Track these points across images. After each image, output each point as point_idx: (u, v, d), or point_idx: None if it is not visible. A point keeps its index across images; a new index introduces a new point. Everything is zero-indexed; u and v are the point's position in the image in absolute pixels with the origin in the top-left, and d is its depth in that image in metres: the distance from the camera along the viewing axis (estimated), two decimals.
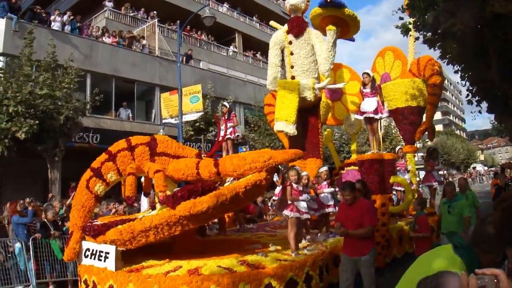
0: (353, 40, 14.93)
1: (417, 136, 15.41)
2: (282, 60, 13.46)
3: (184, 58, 32.86)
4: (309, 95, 12.54)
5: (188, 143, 26.45)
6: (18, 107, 17.26)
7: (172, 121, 25.31)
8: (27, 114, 17.69)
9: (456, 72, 13.52)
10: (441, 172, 17.93)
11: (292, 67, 13.16)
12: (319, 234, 11.13)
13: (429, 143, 77.66)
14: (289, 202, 9.44)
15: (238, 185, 8.12)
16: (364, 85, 13.09)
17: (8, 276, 12.39)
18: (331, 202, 11.26)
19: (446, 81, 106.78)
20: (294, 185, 9.46)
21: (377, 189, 11.91)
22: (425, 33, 11.24)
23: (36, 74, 18.98)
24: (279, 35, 13.51)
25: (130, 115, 29.20)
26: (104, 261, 8.68)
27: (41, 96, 18.04)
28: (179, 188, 8.50)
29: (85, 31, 28.12)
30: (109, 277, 8.33)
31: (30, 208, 13.89)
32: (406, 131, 15.31)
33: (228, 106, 14.53)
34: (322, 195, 11.18)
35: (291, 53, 13.16)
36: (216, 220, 13.55)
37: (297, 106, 12.18)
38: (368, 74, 13.08)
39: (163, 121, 26.95)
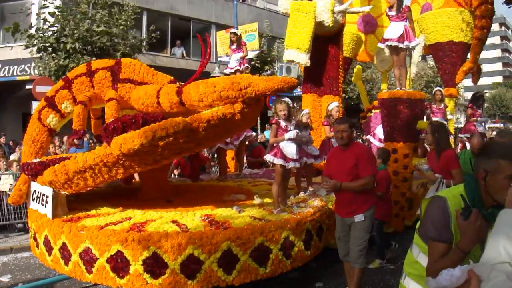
0: None
1: (458, 77, 12.49)
2: None
3: None
4: (326, 20, 9.89)
5: None
6: (75, 44, 17.32)
7: (227, 59, 24.32)
8: (84, 51, 17.69)
9: None
10: (489, 125, 15.09)
11: None
12: None
13: (487, 94, 73.77)
14: (274, 144, 7.28)
15: (197, 118, 5.94)
16: (390, 7, 10.22)
17: None
18: None
19: (509, 30, 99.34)
20: (282, 123, 7.19)
21: (400, 136, 9.53)
22: None
23: (92, 11, 18.76)
24: None
25: (184, 52, 28.83)
26: (45, 206, 6.87)
27: (98, 33, 17.89)
28: (113, 119, 6.58)
29: None
30: (45, 225, 6.57)
31: (85, 139, 14.20)
32: (446, 71, 12.58)
33: (238, 33, 12.59)
34: (334, 138, 9.12)
35: None
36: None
37: (312, 32, 9.68)
38: None
39: (219, 59, 26.86)
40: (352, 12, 10.80)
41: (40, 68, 18.50)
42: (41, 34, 17.88)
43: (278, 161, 7.08)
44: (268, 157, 7.26)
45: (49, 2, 17.98)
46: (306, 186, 8.64)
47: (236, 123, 6.46)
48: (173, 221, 6.22)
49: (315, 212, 7.04)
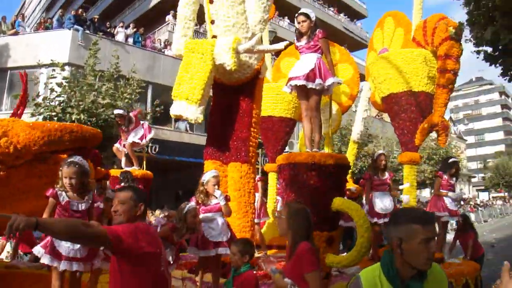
0: None
1: (418, 137, 9.38)
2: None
3: None
4: (228, 61, 7.12)
5: None
6: (80, 115, 17.13)
7: None
8: (89, 122, 17.00)
9: None
10: (465, 196, 11.73)
11: (212, 22, 7.70)
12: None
13: (490, 163, 70.28)
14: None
15: None
16: (300, 35, 6.79)
17: None
18: (226, 235, 6.05)
19: (509, 99, 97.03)
20: (63, 198, 4.64)
21: None
22: (485, 49, 8.90)
23: (99, 84, 18.54)
24: None
25: (188, 127, 28.22)
26: None
27: (103, 105, 17.64)
28: None
29: (148, 43, 27.62)
30: None
31: None
32: (404, 130, 9.50)
33: (122, 113, 10.87)
34: (209, 224, 5.99)
35: (211, 0, 7.68)
36: None
37: (207, 78, 6.99)
38: (305, 15, 6.61)
39: None
40: (261, 50, 7.98)
41: None
42: (48, 104, 17.62)
43: (45, 259, 4.52)
44: (36, 250, 4.66)
45: (57, 73, 17.75)
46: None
47: None
48: None
49: None
